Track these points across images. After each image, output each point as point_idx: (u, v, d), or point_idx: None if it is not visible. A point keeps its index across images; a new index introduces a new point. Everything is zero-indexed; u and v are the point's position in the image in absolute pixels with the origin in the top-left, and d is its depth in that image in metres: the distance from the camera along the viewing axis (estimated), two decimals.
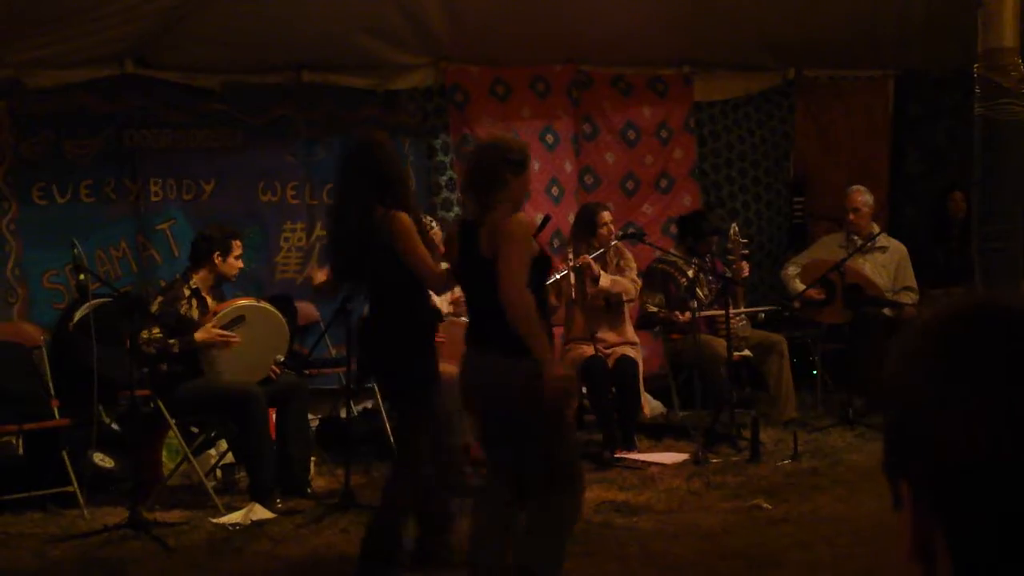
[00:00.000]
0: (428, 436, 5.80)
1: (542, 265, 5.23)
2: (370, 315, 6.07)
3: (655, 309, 8.86)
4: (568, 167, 10.05)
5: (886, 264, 9.26)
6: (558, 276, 8.02)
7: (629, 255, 8.79)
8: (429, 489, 5.89)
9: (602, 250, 8.46)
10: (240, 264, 7.53)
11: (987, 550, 1.18)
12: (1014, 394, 1.16)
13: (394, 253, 5.60)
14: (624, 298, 8.61)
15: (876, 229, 9.28)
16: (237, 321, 7.29)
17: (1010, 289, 1.14)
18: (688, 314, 8.46)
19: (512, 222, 5.05)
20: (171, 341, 7.15)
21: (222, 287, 7.61)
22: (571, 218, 9.38)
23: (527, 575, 5.11)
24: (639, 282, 8.77)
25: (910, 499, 1.24)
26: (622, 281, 8.54)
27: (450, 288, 6.22)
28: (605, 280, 8.37)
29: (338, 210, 5.98)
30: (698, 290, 8.72)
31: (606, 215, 8.58)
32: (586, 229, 8.55)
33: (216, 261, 7.41)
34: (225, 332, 7.23)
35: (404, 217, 5.65)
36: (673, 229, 10.01)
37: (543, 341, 4.99)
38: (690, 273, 8.69)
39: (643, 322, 9.00)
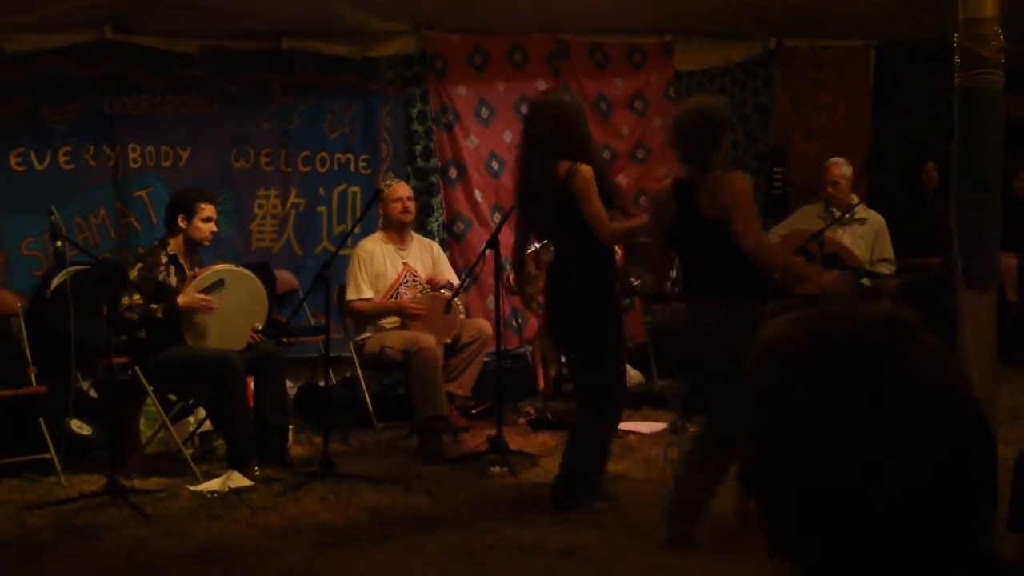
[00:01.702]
0: (610, 382, 6.23)
1: None
2: (554, 267, 6.40)
3: (636, 282, 8.83)
4: None
5: (864, 235, 9.24)
6: (538, 245, 8.02)
7: None
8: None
9: None
10: (211, 227, 7.44)
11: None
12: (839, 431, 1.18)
13: (576, 206, 6.00)
14: None
15: (855, 200, 9.27)
16: (217, 285, 7.27)
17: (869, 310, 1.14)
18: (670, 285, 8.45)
19: (738, 178, 5.45)
20: (153, 306, 7.14)
21: (199, 252, 7.58)
22: None
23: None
24: (619, 251, 8.75)
25: (762, 515, 1.26)
26: None
27: (618, 243, 6.56)
28: None
29: (523, 165, 6.37)
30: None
31: None
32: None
33: (181, 224, 7.37)
34: (207, 297, 7.22)
35: (587, 170, 6.06)
36: (644, 201, 10.00)
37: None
38: None
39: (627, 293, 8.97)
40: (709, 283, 5.57)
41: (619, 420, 6.55)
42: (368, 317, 8.22)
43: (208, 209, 7.43)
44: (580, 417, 6.39)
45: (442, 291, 8.17)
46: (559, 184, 6.06)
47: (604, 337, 6.16)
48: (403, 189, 8.42)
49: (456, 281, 8.36)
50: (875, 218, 9.23)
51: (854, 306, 1.27)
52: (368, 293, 8.16)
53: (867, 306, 1.27)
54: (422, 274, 8.33)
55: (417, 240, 8.53)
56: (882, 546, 1.17)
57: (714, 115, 5.59)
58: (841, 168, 9.24)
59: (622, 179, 10.36)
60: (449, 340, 8.05)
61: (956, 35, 5.19)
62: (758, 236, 5.52)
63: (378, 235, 8.38)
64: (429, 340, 7.82)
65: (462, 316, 8.23)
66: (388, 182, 8.44)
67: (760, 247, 5.47)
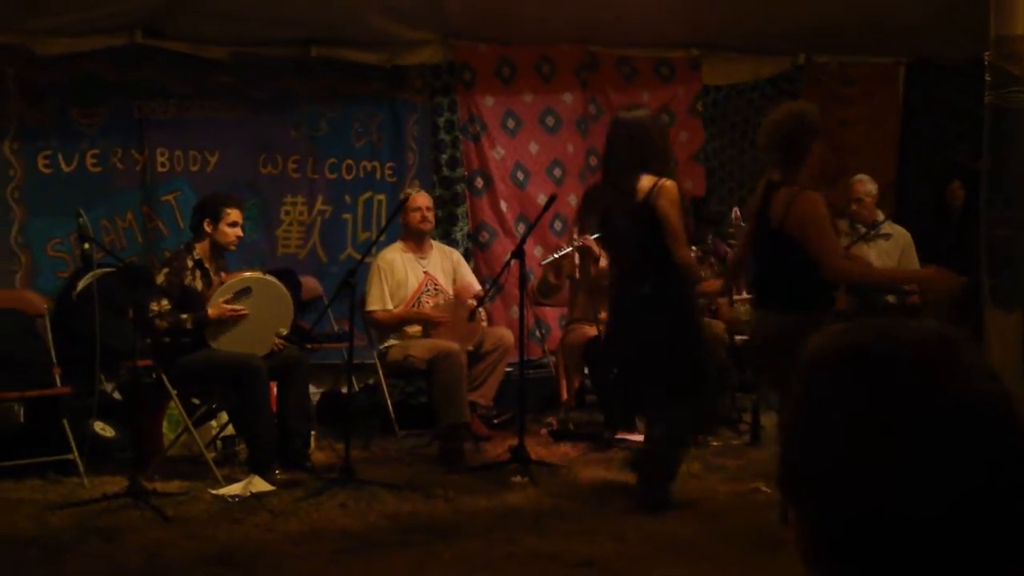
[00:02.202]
0: (693, 378, 6.21)
1: None
2: (625, 280, 6.34)
3: None
4: (571, 148, 10.03)
5: (890, 251, 9.21)
6: (558, 255, 8.04)
7: None
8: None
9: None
10: (238, 232, 7.44)
11: None
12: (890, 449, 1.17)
13: (657, 223, 6.00)
14: None
15: (880, 216, 9.25)
16: (243, 293, 7.29)
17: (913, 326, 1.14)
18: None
19: (808, 201, 5.43)
20: (184, 316, 7.15)
21: (225, 257, 7.59)
22: (571, 199, 9.40)
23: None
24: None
25: (796, 521, 1.27)
26: None
27: (689, 270, 6.35)
28: (604, 261, 8.37)
29: (605, 182, 6.37)
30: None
31: None
32: (592, 211, 8.54)
33: (207, 229, 7.38)
34: (236, 307, 7.23)
35: (672, 188, 6.05)
36: None
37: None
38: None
39: None
40: (763, 288, 5.73)
41: (700, 422, 6.59)
42: (389, 327, 8.23)
43: (234, 214, 7.43)
44: (671, 412, 6.34)
45: (470, 301, 8.17)
46: (641, 200, 6.06)
47: (685, 337, 6.17)
48: (423, 199, 8.42)
49: (479, 287, 8.38)
50: (901, 233, 9.20)
51: (901, 321, 1.27)
52: (389, 304, 8.17)
53: (913, 321, 1.26)
54: (443, 282, 8.34)
55: (437, 248, 8.54)
56: (910, 558, 1.17)
57: (810, 120, 5.63)
58: (866, 185, 9.21)
59: None
60: (471, 347, 8.05)
61: (987, 53, 5.19)
62: (836, 261, 5.49)
63: (398, 245, 8.39)
64: (454, 348, 7.82)
65: (484, 323, 8.23)
66: (408, 191, 8.47)
67: (842, 271, 5.53)
